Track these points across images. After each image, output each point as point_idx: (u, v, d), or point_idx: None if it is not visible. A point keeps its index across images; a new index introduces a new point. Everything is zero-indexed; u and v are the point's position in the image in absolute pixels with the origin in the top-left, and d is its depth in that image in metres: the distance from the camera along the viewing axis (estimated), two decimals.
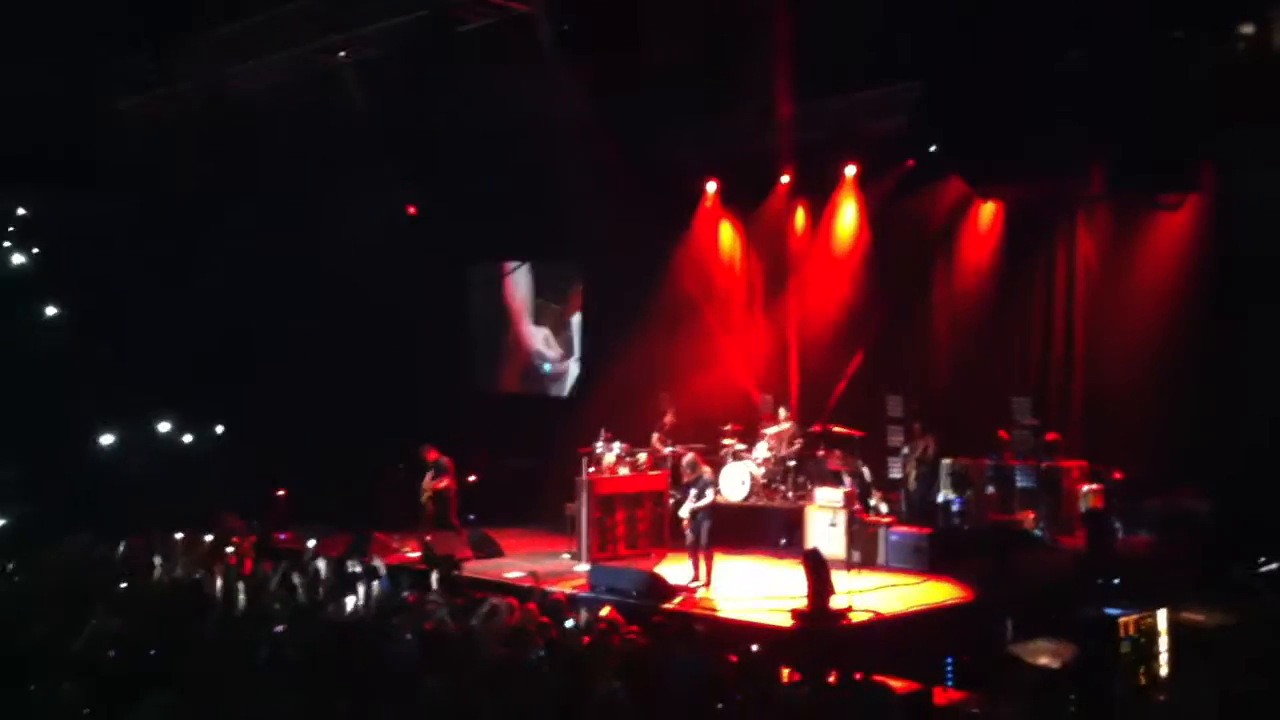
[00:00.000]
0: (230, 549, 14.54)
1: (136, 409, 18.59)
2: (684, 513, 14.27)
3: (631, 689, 8.29)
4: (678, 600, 13.35)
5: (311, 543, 14.88)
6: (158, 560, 13.63)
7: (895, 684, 9.41)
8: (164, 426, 19.14)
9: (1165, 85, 13.77)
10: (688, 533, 14.20)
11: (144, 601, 11.75)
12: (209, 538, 15.22)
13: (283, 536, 16.57)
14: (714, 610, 12.93)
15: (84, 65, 16.65)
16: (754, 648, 10.54)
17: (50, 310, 18.85)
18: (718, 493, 14.76)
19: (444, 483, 17.00)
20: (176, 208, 18.53)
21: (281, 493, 18.09)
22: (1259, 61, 13.68)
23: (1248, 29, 13.72)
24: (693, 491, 14.12)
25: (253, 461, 18.16)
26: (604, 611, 11.49)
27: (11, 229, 18.94)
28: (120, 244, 18.50)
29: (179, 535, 14.73)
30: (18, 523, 16.32)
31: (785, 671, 9.55)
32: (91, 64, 16.78)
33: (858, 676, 9.00)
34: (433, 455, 17.11)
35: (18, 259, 18.95)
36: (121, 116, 17.90)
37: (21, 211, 18.93)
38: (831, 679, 9.21)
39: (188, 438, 19.35)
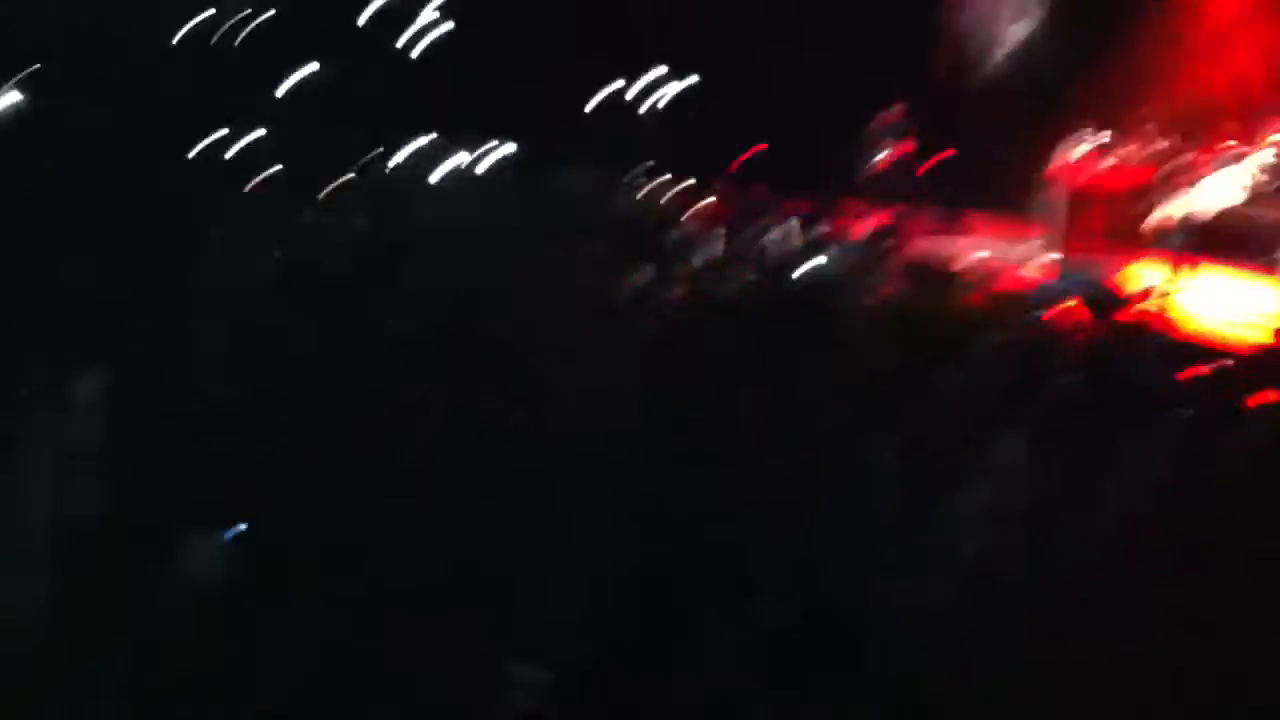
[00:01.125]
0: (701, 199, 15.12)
1: None
2: (1160, 214, 13.61)
3: (1089, 386, 8.26)
4: (1148, 303, 12.83)
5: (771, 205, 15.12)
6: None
7: None
8: None
9: None
10: (1162, 235, 13.57)
11: None
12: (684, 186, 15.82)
13: (755, 195, 16.97)
14: (1189, 320, 12.30)
15: None
16: (1229, 363, 10.07)
17: None
18: (1204, 199, 13.88)
19: (901, 149, 16.50)
20: None
21: (757, 147, 18.38)
22: None
23: None
24: (1171, 195, 13.40)
25: (734, 117, 18.47)
26: (1069, 303, 11.32)
27: None
28: None
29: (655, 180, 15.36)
30: None
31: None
32: None
33: None
34: (893, 118, 16.78)
35: None
36: None
37: None
38: None
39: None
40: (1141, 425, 8.59)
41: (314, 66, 17.79)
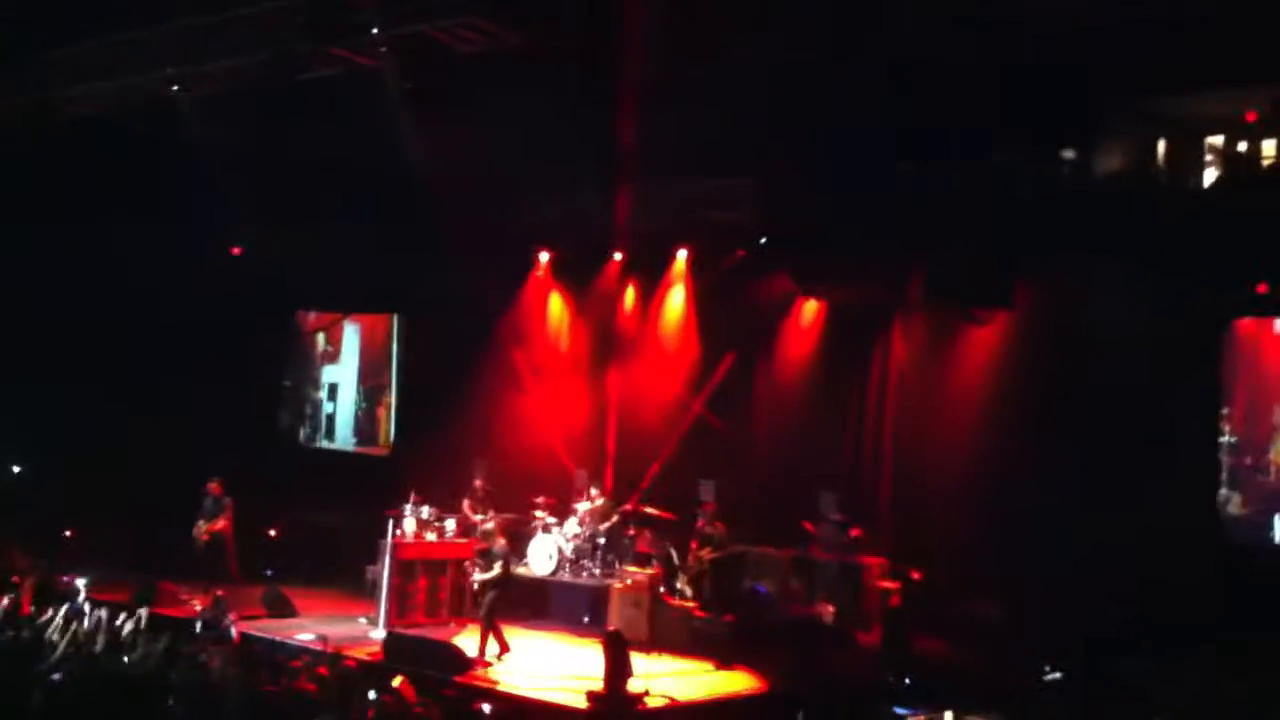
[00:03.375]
0: (10, 588, 14.30)
1: None
2: (479, 582, 14.32)
3: None
4: (473, 673, 13.31)
5: (82, 584, 14.58)
6: None
7: None
8: None
9: (988, 202, 14.06)
10: (480, 603, 14.26)
11: None
12: None
13: (67, 579, 16.26)
14: (508, 687, 12.99)
15: None
16: None
17: None
18: (510, 565, 14.78)
19: (221, 524, 16.75)
20: None
21: (70, 533, 17.80)
22: (1080, 186, 14.02)
23: (1070, 154, 14.07)
24: (483, 561, 14.18)
25: (44, 498, 17.86)
26: (396, 682, 11.45)
27: None
28: None
29: None
30: None
31: None
32: None
33: None
34: (216, 490, 16.87)
35: None
36: None
37: None
38: None
39: None
40: None
41: None
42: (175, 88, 16.66)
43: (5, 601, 13.53)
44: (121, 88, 16.99)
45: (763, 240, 16.11)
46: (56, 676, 10.59)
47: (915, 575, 15.04)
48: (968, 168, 14.35)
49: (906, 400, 15.98)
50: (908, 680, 12.76)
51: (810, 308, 16.84)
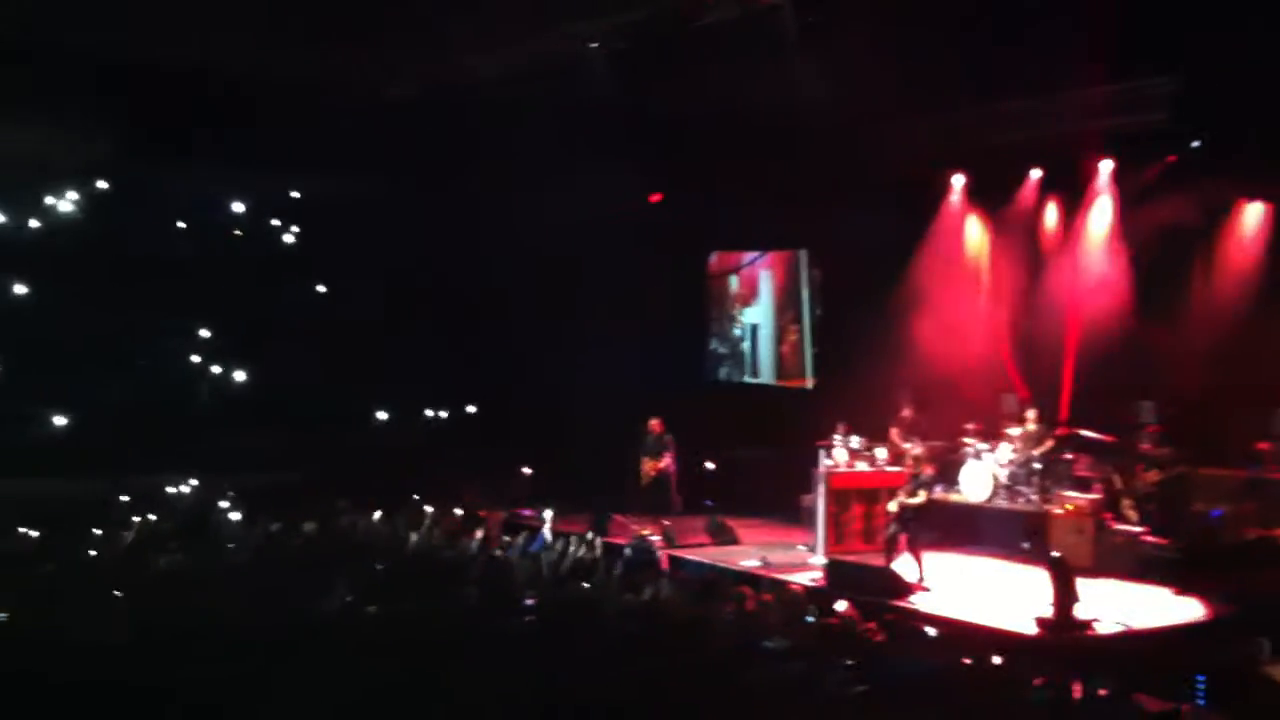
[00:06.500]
0: (478, 524, 15.50)
1: (390, 385, 19.79)
2: (893, 506, 14.34)
3: (869, 686, 8.55)
4: (914, 598, 13.41)
5: (549, 515, 15.57)
6: (409, 532, 14.75)
7: (1144, 701, 9.29)
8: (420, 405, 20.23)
9: None
10: (890, 526, 14.29)
11: (394, 572, 12.82)
12: (459, 512, 16.23)
13: (526, 513, 17.42)
14: (951, 612, 13.00)
15: (346, 51, 17.63)
16: (996, 659, 10.36)
17: (317, 288, 20.41)
18: (932, 493, 14.73)
19: (665, 462, 17.36)
20: (431, 192, 19.62)
21: (526, 470, 19.05)
22: None
23: None
24: (909, 487, 14.21)
25: (499, 439, 19.17)
26: (840, 606, 11.73)
27: (278, 211, 20.38)
28: (376, 227, 19.62)
29: (429, 509, 15.76)
30: (281, 490, 17.33)
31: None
32: (352, 49, 17.70)
33: (1103, 692, 8.98)
34: (658, 428, 17.52)
35: (287, 239, 20.40)
36: (382, 101, 18.93)
37: (294, 194, 20.27)
38: (1077, 692, 9.13)
39: (437, 414, 20.56)
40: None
41: None
42: (592, 44, 17.19)
43: (480, 535, 14.63)
44: (531, 49, 17.67)
45: (1195, 144, 15.01)
46: (529, 602, 11.31)
47: None
48: None
49: None
50: None
51: (1253, 211, 15.68)
